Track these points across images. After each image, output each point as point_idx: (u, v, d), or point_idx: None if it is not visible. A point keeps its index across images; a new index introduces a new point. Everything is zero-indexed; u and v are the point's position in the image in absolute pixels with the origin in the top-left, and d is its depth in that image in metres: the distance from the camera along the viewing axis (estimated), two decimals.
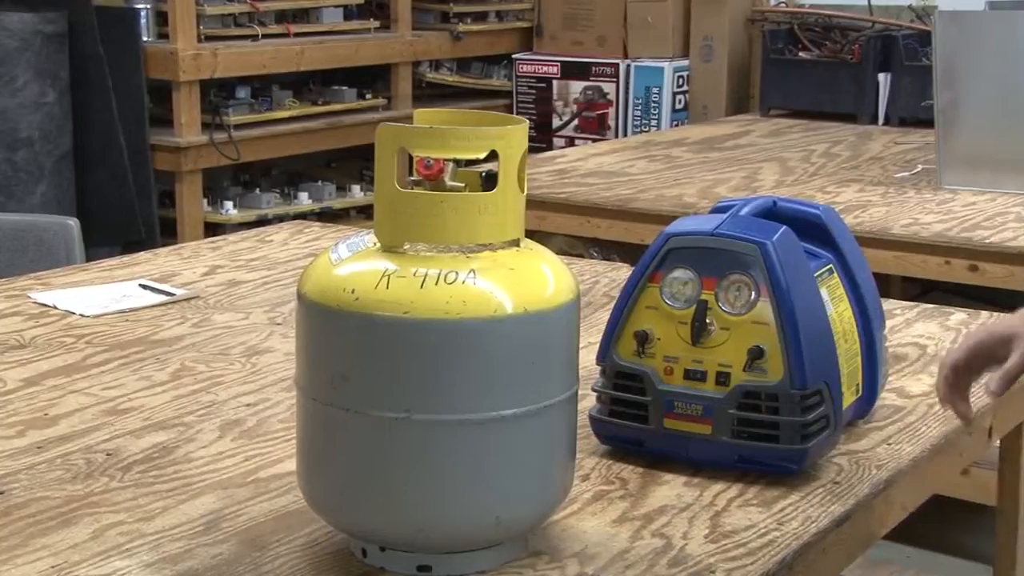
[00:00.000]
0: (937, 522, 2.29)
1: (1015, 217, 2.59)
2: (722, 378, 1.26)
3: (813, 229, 1.39)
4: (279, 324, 1.77)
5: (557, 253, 1.15)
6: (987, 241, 2.44)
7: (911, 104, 3.70)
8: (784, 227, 1.32)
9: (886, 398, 1.47)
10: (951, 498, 2.33)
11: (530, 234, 1.12)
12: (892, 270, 2.54)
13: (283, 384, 1.52)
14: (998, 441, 1.68)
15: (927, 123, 3.30)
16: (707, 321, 1.27)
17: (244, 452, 1.33)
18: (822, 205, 1.45)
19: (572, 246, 2.91)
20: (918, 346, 1.71)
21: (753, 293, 1.26)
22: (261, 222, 3.40)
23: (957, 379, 1.26)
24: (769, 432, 1.25)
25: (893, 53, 3.82)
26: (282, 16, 3.88)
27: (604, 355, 1.32)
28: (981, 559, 2.34)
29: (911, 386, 1.55)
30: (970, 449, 1.52)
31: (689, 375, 1.27)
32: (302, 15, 3.97)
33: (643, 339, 1.29)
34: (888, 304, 1.71)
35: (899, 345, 1.69)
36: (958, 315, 1.84)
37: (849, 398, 1.35)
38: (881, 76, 3.83)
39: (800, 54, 4.02)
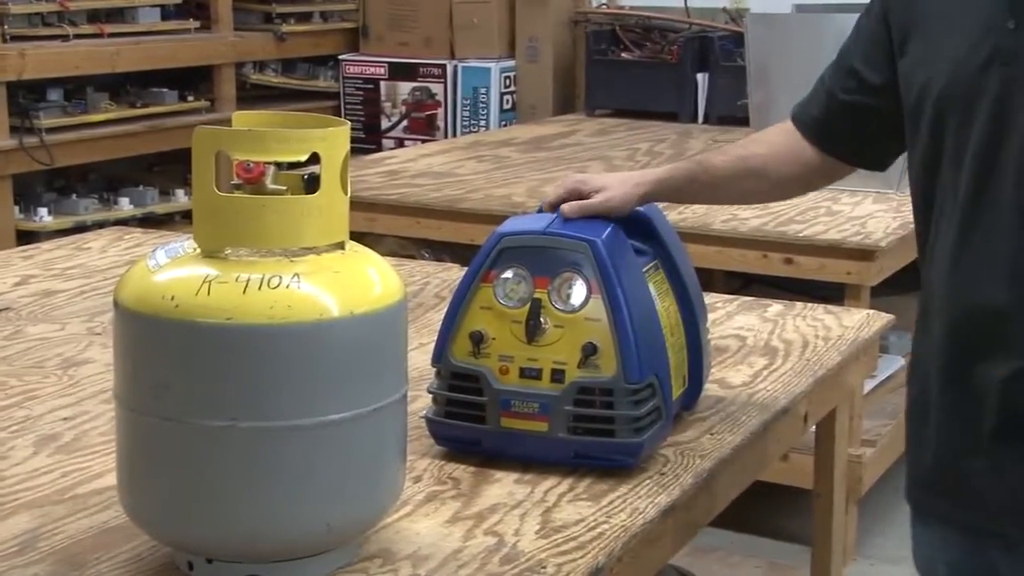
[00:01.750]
0: (759, 507, 2.37)
1: (825, 211, 2.71)
2: (557, 375, 1.27)
3: (638, 226, 1.43)
4: (98, 334, 1.71)
5: (388, 255, 1.15)
6: (800, 235, 2.54)
7: (728, 103, 3.82)
8: (612, 224, 1.34)
9: (709, 389, 1.52)
10: (771, 483, 2.42)
11: (360, 236, 1.11)
12: (714, 264, 2.62)
13: (103, 396, 1.46)
14: (813, 427, 1.76)
15: (744, 121, 3.42)
16: (541, 319, 1.28)
17: (61, 468, 1.28)
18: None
19: (403, 247, 2.90)
20: (738, 338, 1.77)
21: (585, 290, 1.28)
22: (79, 229, 3.27)
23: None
24: (605, 427, 1.27)
25: (710, 54, 3.95)
26: (95, 16, 3.74)
27: (439, 356, 1.32)
28: (801, 541, 2.44)
29: (732, 377, 1.60)
30: (788, 435, 1.58)
31: (525, 373, 1.28)
32: (116, 15, 3.83)
33: (478, 339, 1.29)
34: (710, 298, 1.77)
35: (721, 337, 1.75)
36: (775, 307, 1.91)
37: (677, 390, 1.39)
38: (699, 76, 3.95)
39: (622, 55, 4.11)
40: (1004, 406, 1.19)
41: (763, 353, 1.70)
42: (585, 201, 1.37)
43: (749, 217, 2.66)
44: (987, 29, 1.21)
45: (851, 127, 1.38)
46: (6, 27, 3.48)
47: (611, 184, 1.40)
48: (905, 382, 1.36)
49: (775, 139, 1.45)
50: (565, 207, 1.36)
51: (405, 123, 4.33)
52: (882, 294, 2.66)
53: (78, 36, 3.65)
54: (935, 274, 1.26)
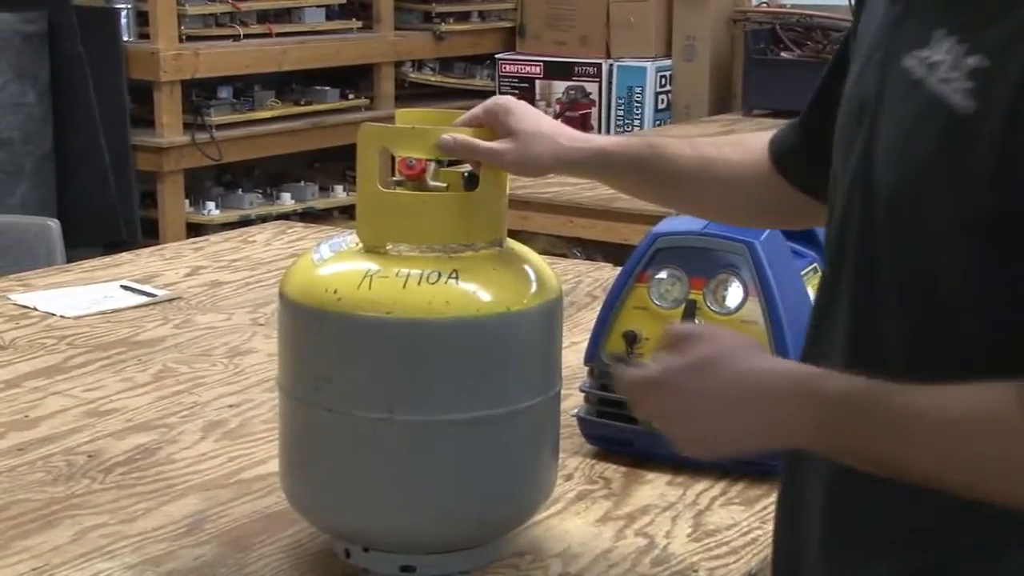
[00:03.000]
0: None
1: None
2: None
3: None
4: (262, 325, 1.77)
5: (540, 253, 1.15)
6: None
7: None
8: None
9: None
10: None
11: (513, 234, 1.12)
12: None
13: (266, 385, 1.51)
14: None
15: None
16: (695, 321, 1.27)
17: (227, 453, 1.33)
18: None
19: (555, 246, 2.91)
20: None
21: (741, 292, 1.26)
22: (244, 223, 3.38)
23: None
24: None
25: None
26: (264, 16, 3.87)
27: (592, 355, 1.32)
28: None
29: None
30: None
31: None
32: (284, 15, 3.95)
33: (631, 339, 1.29)
34: None
35: None
36: None
37: None
38: None
39: (782, 54, 4.03)
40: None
41: None
42: (471, 141, 1.05)
43: None
44: (866, 60, 0.89)
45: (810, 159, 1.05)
46: (183, 28, 3.62)
47: (527, 130, 1.06)
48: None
49: (756, 148, 1.11)
50: (445, 137, 1.05)
51: (559, 122, 4.34)
52: None
53: (248, 36, 3.78)
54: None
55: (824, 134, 0.96)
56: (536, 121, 1.09)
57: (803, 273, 1.35)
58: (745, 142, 1.13)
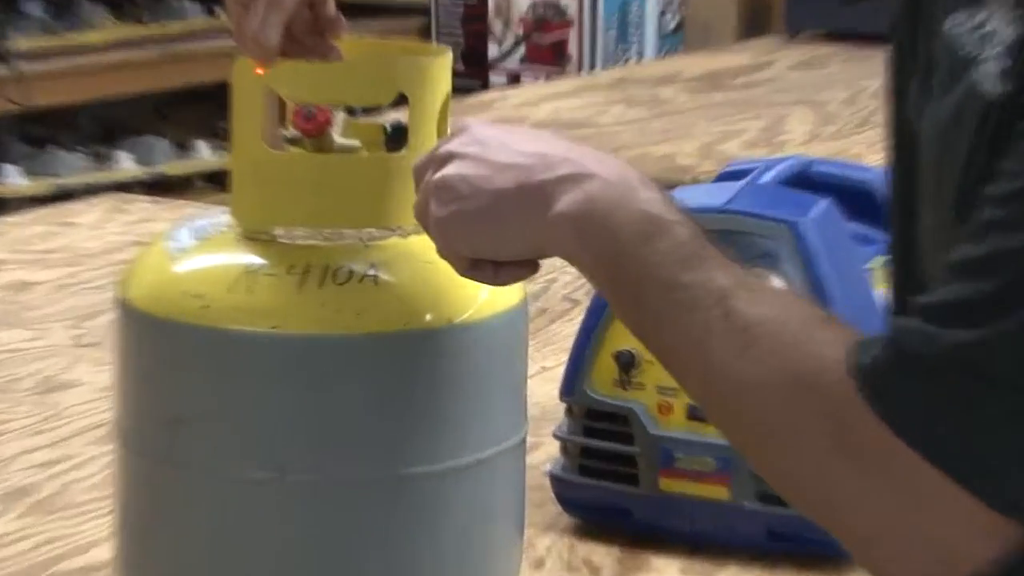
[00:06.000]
0: None
1: None
2: None
3: (863, 202, 1.42)
4: (87, 346, 1.77)
5: None
6: None
7: None
8: (824, 200, 1.34)
9: None
10: None
11: None
12: None
13: (95, 434, 1.51)
14: None
15: None
16: None
17: (37, 534, 1.33)
18: (875, 168, 1.47)
19: None
20: None
21: None
22: (61, 195, 3.38)
23: None
24: None
25: None
26: None
27: (571, 387, 1.33)
28: None
29: None
30: None
31: (694, 414, 1.28)
32: None
33: (627, 363, 1.30)
34: None
35: None
36: None
37: None
38: None
39: None
40: None
41: None
42: None
43: None
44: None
45: None
46: None
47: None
48: None
49: None
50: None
51: (522, 50, 4.36)
52: None
53: None
54: None
55: None
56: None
57: (869, 266, 1.37)
58: None
